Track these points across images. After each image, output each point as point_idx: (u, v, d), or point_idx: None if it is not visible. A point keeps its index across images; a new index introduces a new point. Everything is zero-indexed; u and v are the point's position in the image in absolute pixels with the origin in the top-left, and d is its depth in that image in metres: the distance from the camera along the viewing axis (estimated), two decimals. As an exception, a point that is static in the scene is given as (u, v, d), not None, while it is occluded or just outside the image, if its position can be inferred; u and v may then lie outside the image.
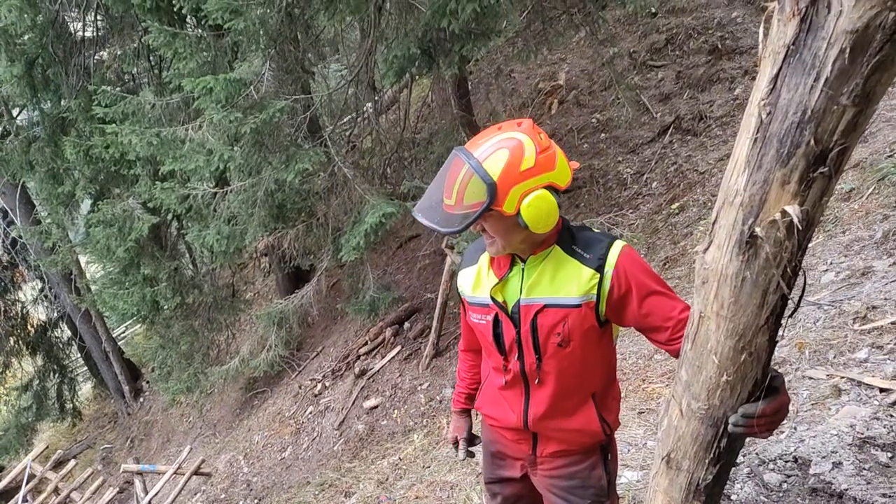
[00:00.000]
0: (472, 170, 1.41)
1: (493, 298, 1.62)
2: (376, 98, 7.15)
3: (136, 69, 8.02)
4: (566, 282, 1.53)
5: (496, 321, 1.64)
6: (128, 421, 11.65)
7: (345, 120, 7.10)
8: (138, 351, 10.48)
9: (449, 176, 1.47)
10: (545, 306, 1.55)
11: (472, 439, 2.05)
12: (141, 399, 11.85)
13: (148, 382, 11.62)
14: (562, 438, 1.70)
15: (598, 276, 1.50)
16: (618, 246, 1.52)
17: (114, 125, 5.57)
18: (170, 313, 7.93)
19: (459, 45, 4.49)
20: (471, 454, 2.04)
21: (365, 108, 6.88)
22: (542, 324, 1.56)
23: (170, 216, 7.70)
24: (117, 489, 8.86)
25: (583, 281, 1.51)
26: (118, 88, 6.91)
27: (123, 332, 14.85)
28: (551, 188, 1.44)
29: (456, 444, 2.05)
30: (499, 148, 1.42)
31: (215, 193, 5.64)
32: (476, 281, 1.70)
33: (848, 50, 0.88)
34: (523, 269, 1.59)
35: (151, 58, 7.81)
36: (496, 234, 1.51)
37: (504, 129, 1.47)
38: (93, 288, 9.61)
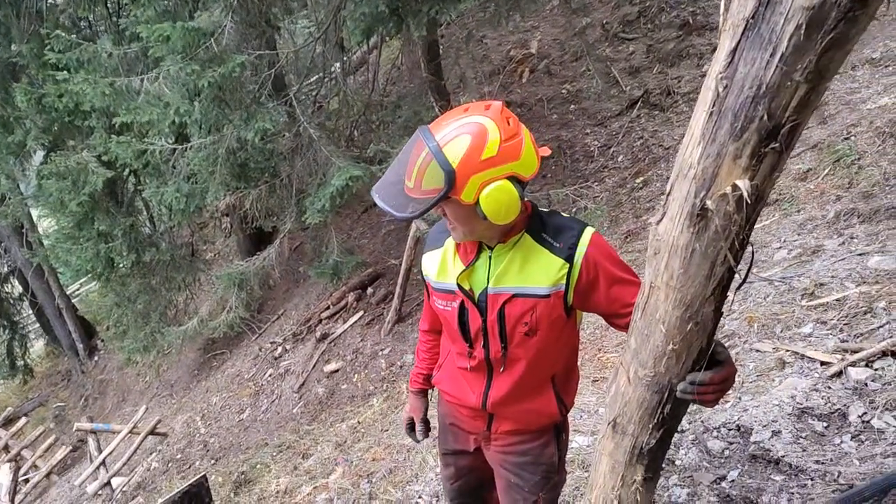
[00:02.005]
0: (431, 154, 1.36)
1: (459, 286, 1.58)
2: (345, 58, 6.99)
3: (92, 16, 7.65)
4: (535, 271, 1.50)
5: (462, 309, 1.60)
6: (82, 379, 11.44)
7: (312, 79, 6.93)
8: (93, 308, 10.27)
9: (410, 156, 1.42)
10: (514, 296, 1.52)
11: (426, 423, 2.02)
12: (96, 357, 11.64)
13: (103, 341, 11.40)
14: (518, 418, 1.70)
15: (568, 265, 1.48)
16: (587, 234, 1.49)
17: (65, 72, 5.32)
18: (126, 271, 7.74)
19: (429, 7, 4.39)
20: (425, 436, 2.02)
21: (333, 68, 6.72)
22: (510, 313, 1.53)
23: (126, 171, 7.46)
24: (70, 448, 8.73)
25: (552, 271, 1.49)
26: (73, 35, 6.59)
27: (78, 289, 14.48)
28: (514, 178, 1.39)
29: (411, 426, 2.02)
30: (461, 133, 1.36)
31: (174, 149, 5.47)
32: (441, 266, 1.65)
33: (804, 26, 0.88)
34: (491, 257, 1.55)
35: (109, 4, 7.46)
36: (456, 221, 1.47)
37: (471, 110, 1.40)
38: (45, 242, 9.32)
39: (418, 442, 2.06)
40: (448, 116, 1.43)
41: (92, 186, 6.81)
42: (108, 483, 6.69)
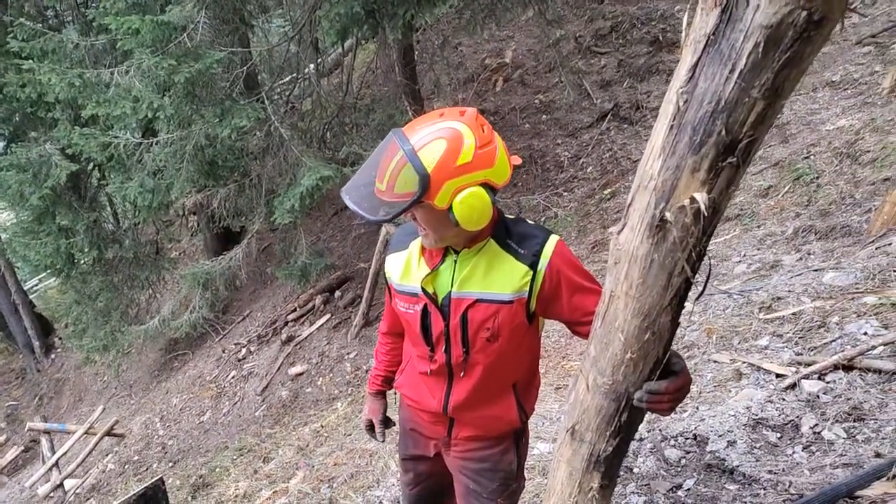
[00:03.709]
0: (405, 157, 1.35)
1: (423, 289, 1.57)
2: (319, 59, 6.96)
3: (59, 5, 7.48)
4: (499, 277, 1.51)
5: (425, 312, 1.60)
6: (37, 378, 11.09)
7: (285, 79, 6.88)
8: (51, 305, 9.96)
9: (383, 159, 1.41)
10: (477, 301, 1.52)
11: (386, 422, 2.02)
12: (52, 355, 11.29)
13: (61, 339, 11.07)
14: (478, 424, 1.70)
15: (532, 272, 1.49)
16: (551, 242, 1.50)
17: (31, 61, 5.18)
18: (87, 267, 7.56)
19: (405, 10, 4.40)
20: (384, 436, 2.02)
21: (307, 69, 6.68)
22: (473, 318, 1.54)
23: (90, 165, 7.29)
24: (22, 448, 8.47)
25: (516, 277, 1.50)
26: (38, 24, 6.42)
27: (36, 285, 14.03)
28: (487, 185, 1.39)
29: (371, 427, 2.02)
30: (437, 137, 1.36)
31: (140, 144, 5.35)
32: (405, 268, 1.64)
33: (762, 44, 0.91)
34: (456, 262, 1.54)
35: (77, -7, 7.31)
36: (427, 226, 1.47)
37: (446, 116, 1.40)
38: (3, 236, 9.05)
39: (381, 442, 2.05)
40: (422, 121, 1.43)
41: (54, 180, 6.64)
42: (61, 485, 6.49)
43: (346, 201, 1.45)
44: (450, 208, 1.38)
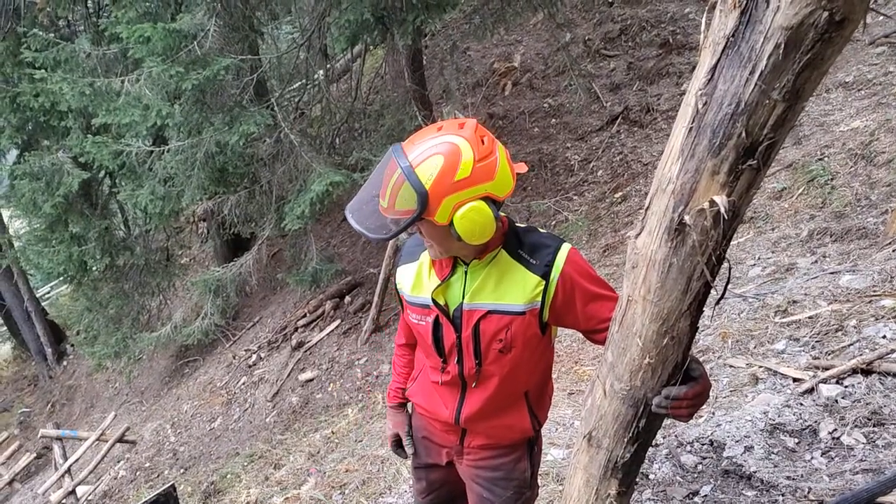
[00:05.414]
0: (403, 175, 1.34)
1: (434, 301, 1.56)
2: (328, 65, 6.97)
3: (72, 15, 7.56)
4: (511, 289, 1.50)
5: (436, 324, 1.59)
6: (49, 385, 11.17)
7: (294, 86, 6.91)
8: (63, 312, 10.04)
9: (384, 176, 1.40)
10: (489, 312, 1.51)
11: (413, 435, 1.95)
12: (64, 362, 11.37)
13: (73, 346, 11.15)
14: (491, 433, 1.69)
15: (544, 283, 1.47)
16: (563, 251, 1.48)
17: (43, 71, 5.24)
18: (98, 275, 7.61)
19: (414, 16, 4.41)
20: (413, 449, 1.94)
21: (316, 75, 6.71)
22: (485, 330, 1.52)
23: (102, 173, 7.35)
24: (34, 454, 8.52)
25: (528, 288, 1.48)
26: (52, 34, 6.49)
27: (48, 292, 14.15)
28: (488, 199, 1.37)
29: (397, 443, 1.95)
30: (434, 153, 1.34)
31: (151, 151, 5.39)
32: (416, 280, 1.63)
33: (782, 45, 0.90)
34: (466, 273, 1.53)
35: (90, 4, 7.38)
36: (432, 240, 1.46)
37: (444, 130, 1.38)
38: (16, 244, 9.14)
39: (407, 457, 1.98)
40: (421, 135, 1.42)
41: (66, 188, 6.70)
42: (73, 492, 6.52)
43: (349, 220, 1.45)
44: (451, 224, 1.37)
